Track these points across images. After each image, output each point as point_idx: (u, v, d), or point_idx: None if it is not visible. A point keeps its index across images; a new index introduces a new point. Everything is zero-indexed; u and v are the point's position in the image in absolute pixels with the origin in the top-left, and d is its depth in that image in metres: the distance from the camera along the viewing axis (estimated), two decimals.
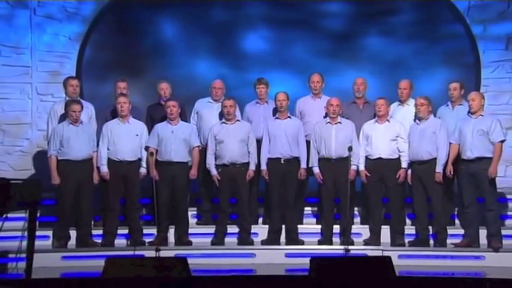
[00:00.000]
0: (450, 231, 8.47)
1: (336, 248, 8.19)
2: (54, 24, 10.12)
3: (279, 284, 5.50)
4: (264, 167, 8.56)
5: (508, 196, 9.23)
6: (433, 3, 10.20)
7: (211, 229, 8.69)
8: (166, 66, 10.19)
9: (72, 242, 8.49)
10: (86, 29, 10.19)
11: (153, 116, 8.98)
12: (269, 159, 8.56)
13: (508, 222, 8.77)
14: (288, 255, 8.27)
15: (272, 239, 8.56)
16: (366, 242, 8.41)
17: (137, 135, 8.57)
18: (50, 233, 8.40)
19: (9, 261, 7.55)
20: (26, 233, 7.01)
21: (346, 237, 8.36)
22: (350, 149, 8.25)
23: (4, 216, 6.62)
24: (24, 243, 7.05)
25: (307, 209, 9.07)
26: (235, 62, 10.30)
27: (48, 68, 10.09)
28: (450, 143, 8.28)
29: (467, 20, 10.06)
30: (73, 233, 8.49)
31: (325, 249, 8.26)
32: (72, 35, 10.16)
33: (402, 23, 10.27)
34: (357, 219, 8.77)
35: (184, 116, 8.89)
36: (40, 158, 9.85)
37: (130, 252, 7.91)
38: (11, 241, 7.41)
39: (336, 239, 8.49)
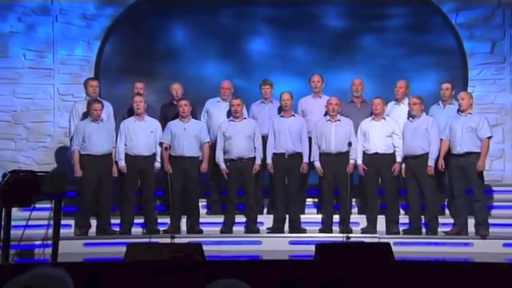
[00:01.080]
0: (441, 220, 8.49)
1: (335, 235, 8.19)
2: (74, 30, 10.09)
3: (287, 267, 5.48)
4: (269, 161, 8.58)
5: (494, 188, 9.24)
6: (423, 10, 10.17)
7: (220, 218, 8.71)
8: (177, 68, 10.17)
9: (93, 230, 8.50)
10: (103, 34, 10.16)
11: (166, 114, 8.99)
12: (274, 154, 8.57)
13: (493, 212, 8.76)
14: (291, 243, 8.29)
15: (277, 228, 8.56)
16: (363, 230, 8.42)
17: (152, 132, 8.58)
18: (72, 222, 8.41)
19: (36, 248, 7.58)
20: (51, 222, 7.08)
21: (345, 226, 8.36)
22: (350, 144, 8.27)
23: (32, 206, 6.65)
24: (50, 231, 7.12)
25: (309, 200, 9.08)
26: (241, 65, 10.28)
27: (69, 70, 10.07)
28: (441, 139, 8.29)
29: (455, 26, 10.02)
30: (93, 222, 8.50)
31: (325, 237, 8.26)
32: (90, 40, 10.13)
33: (395, 28, 10.24)
34: (355, 210, 8.76)
35: (195, 114, 8.89)
36: (61, 153, 9.87)
37: (146, 240, 7.87)
38: (38, 229, 7.38)
39: (335, 228, 8.51)
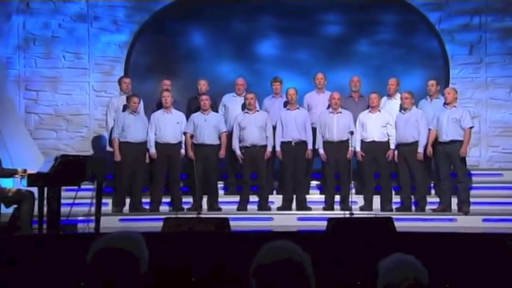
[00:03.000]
0: (428, 199, 8.51)
1: (337, 213, 8.21)
2: (106, 34, 10.11)
3: (303, 238, 5.54)
4: (278, 148, 8.60)
5: (472, 172, 9.29)
6: (411, 17, 10.17)
7: (236, 198, 8.75)
8: (196, 67, 10.17)
9: (126, 208, 8.54)
10: (132, 38, 10.17)
11: (191, 106, 9.03)
12: (282, 142, 8.59)
13: (473, 192, 8.74)
14: (299, 219, 8.32)
15: (286, 206, 8.60)
16: (361, 208, 8.44)
17: (178, 123, 8.61)
18: (109, 200, 8.42)
19: (79, 223, 7.66)
20: (94, 201, 7.14)
21: (345, 205, 8.40)
22: (352, 133, 8.33)
23: (78, 186, 6.70)
24: (93, 208, 7.19)
25: (313, 183, 9.08)
26: (252, 64, 10.27)
27: (102, 69, 10.09)
28: (429, 129, 8.32)
29: (439, 31, 10.02)
30: (127, 201, 8.55)
31: (328, 214, 8.14)
32: (121, 43, 10.14)
33: (386, 33, 10.24)
34: (353, 190, 8.77)
35: (215, 107, 8.92)
36: (96, 142, 9.92)
37: (173, 216, 7.90)
38: (82, 207, 7.44)
39: (336, 206, 8.54)
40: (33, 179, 6.40)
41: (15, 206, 6.54)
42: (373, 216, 7.94)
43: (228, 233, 5.66)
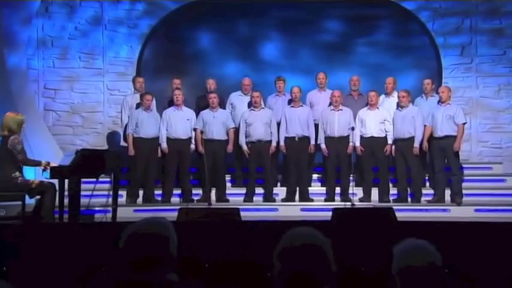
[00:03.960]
0: (423, 191, 8.52)
1: (337, 204, 8.17)
2: (119, 37, 10.09)
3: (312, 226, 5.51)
4: (282, 143, 8.59)
5: (463, 165, 9.27)
6: (406, 21, 10.17)
7: (242, 190, 8.75)
8: (204, 68, 10.14)
9: (140, 199, 8.53)
10: (143, 40, 10.16)
11: (200, 104, 9.02)
12: (286, 137, 8.58)
13: (464, 184, 8.71)
14: (302, 210, 8.30)
15: (289, 198, 8.61)
16: (360, 200, 8.44)
17: (188, 119, 8.61)
18: (123, 192, 8.37)
19: (96, 213, 7.66)
20: (111, 192, 7.13)
21: (345, 196, 8.41)
22: (353, 128, 8.33)
23: (97, 178, 6.70)
24: (110, 200, 7.18)
25: (315, 176, 9.08)
26: (256, 65, 10.25)
27: (116, 70, 10.07)
28: (425, 125, 8.32)
29: (432, 33, 10.04)
30: (141, 193, 8.54)
31: (329, 205, 8.11)
32: (133, 45, 10.13)
33: (384, 35, 10.24)
34: (353, 183, 8.78)
35: (222, 105, 8.92)
36: (110, 137, 9.91)
37: (187, 207, 7.83)
38: (98, 198, 7.44)
39: (337, 198, 8.55)
40: (56, 171, 6.40)
41: (38, 196, 6.54)
42: (375, 206, 7.92)
43: (239, 222, 5.65)
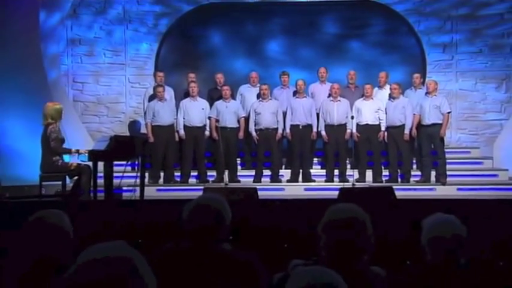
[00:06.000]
0: (412, 172, 8.56)
1: (336, 184, 8.09)
2: (139, 35, 10.01)
3: (321, 204, 5.55)
4: (288, 130, 8.60)
5: (446, 150, 9.28)
6: (394, 21, 10.13)
7: (252, 172, 8.74)
8: (215, 63, 10.05)
9: (161, 180, 8.54)
10: (161, 38, 10.09)
11: (212, 96, 8.99)
12: (291, 125, 8.58)
13: (448, 166, 8.77)
14: (305, 189, 8.34)
15: (293, 179, 8.62)
16: (357, 180, 8.43)
17: (203, 109, 8.58)
18: (146, 174, 8.30)
19: (125, 192, 7.66)
20: (138, 174, 7.12)
21: (343, 177, 8.44)
22: (352, 117, 8.34)
23: (127, 161, 6.70)
24: (137, 180, 7.17)
25: (316, 160, 9.09)
26: (261, 61, 10.18)
27: (136, 65, 10.00)
28: (414, 114, 8.35)
29: (418, 33, 10.02)
30: (161, 174, 8.54)
31: (329, 185, 8.29)
32: (151, 43, 10.05)
33: (375, 34, 10.19)
34: (349, 166, 8.83)
35: (232, 96, 8.91)
36: (131, 126, 9.82)
37: (200, 187, 7.78)
38: (128, 179, 7.44)
39: (335, 179, 8.56)
40: (94, 155, 6.39)
41: (75, 177, 6.53)
42: (378, 186, 7.95)
43: (258, 200, 5.67)
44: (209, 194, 2.67)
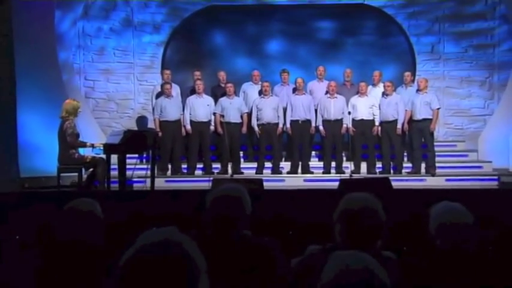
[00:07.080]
0: (404, 164, 8.59)
1: (333, 176, 8.19)
2: (147, 35, 9.97)
3: (323, 195, 5.56)
4: (288, 125, 8.59)
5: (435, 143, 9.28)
6: (387, 23, 10.14)
7: (254, 164, 8.74)
8: (218, 62, 10.01)
9: (169, 172, 8.54)
10: (167, 39, 10.05)
11: (216, 92, 8.97)
12: (291, 120, 8.57)
13: (437, 159, 8.78)
14: (304, 180, 8.36)
15: (293, 171, 8.63)
16: (352, 172, 8.38)
17: (208, 105, 8.56)
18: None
19: (136, 183, 7.65)
20: (149, 166, 7.12)
21: (339, 169, 8.47)
22: (349, 113, 8.35)
23: (140, 154, 6.69)
24: (147, 172, 7.16)
25: (314, 153, 9.08)
26: (262, 60, 10.16)
27: (144, 63, 9.96)
28: (406, 110, 8.37)
29: (408, 34, 10.03)
30: (169, 166, 8.54)
31: (326, 177, 8.34)
32: (158, 43, 10.02)
33: (368, 35, 10.19)
34: (345, 158, 8.84)
35: (236, 93, 8.89)
36: (139, 121, 9.80)
37: (206, 178, 7.81)
38: (140, 171, 7.44)
39: (332, 171, 8.58)
40: (108, 148, 6.38)
41: (91, 169, 6.52)
42: (375, 177, 7.97)
43: (263, 191, 5.68)
44: (231, 184, 2.67)
